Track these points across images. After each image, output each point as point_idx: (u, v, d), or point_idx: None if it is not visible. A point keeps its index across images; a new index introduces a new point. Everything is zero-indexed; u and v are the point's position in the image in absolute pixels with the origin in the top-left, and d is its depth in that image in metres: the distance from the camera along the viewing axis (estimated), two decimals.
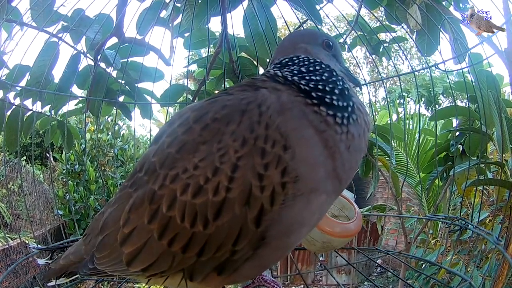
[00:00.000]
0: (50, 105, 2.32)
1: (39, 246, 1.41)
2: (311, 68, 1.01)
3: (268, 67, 1.11)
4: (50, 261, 1.25)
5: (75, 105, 2.58)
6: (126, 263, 0.96)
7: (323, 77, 0.98)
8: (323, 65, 1.03)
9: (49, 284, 1.22)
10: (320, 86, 0.95)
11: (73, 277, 1.17)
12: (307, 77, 0.98)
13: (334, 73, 1.01)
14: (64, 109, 2.29)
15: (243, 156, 0.85)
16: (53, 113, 2.41)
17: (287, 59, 1.07)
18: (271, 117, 0.87)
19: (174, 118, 1.03)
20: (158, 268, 0.94)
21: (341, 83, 0.99)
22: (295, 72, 1.01)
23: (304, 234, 1.00)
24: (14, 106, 2.19)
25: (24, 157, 9.22)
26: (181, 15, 2.30)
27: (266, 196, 0.85)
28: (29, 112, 2.27)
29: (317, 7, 2.19)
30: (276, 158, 0.85)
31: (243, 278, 1.13)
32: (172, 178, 0.90)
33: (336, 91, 0.96)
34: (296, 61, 1.05)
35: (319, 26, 2.27)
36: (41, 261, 1.31)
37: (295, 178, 0.86)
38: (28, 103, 2.26)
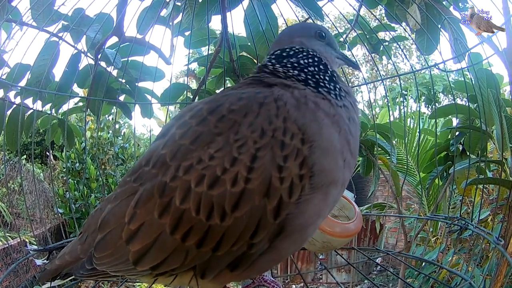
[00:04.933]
0: (50, 104, 2.32)
1: (37, 247, 1.38)
2: (306, 60, 1.08)
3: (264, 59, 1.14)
4: (47, 261, 1.22)
5: (75, 103, 2.58)
6: (133, 262, 0.92)
7: (317, 68, 1.06)
8: (316, 58, 1.10)
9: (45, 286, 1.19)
10: (317, 75, 1.04)
11: (69, 279, 1.11)
12: (305, 70, 1.05)
13: (328, 66, 1.10)
14: (65, 107, 2.29)
15: (263, 147, 0.85)
16: (53, 111, 2.40)
17: (280, 51, 1.12)
18: (289, 111, 0.89)
19: (184, 111, 1.01)
20: (169, 266, 0.91)
21: (329, 71, 1.08)
22: (295, 65, 1.06)
23: (319, 225, 1.01)
24: (14, 105, 2.19)
25: (24, 156, 9.22)
26: (181, 14, 2.30)
27: (285, 188, 0.85)
28: (30, 111, 2.26)
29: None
30: (295, 151, 0.86)
31: (255, 273, 1.12)
32: (186, 169, 0.88)
33: (327, 77, 1.04)
34: (291, 53, 1.10)
35: (320, 23, 2.27)
36: (38, 262, 1.28)
37: (312, 172, 0.87)
38: (28, 102, 2.26)
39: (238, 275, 0.95)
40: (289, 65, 1.06)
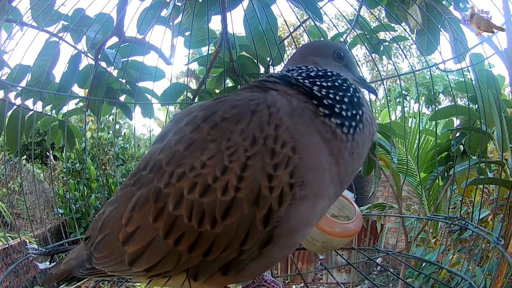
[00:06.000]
0: (51, 105, 2.32)
1: (38, 248, 1.38)
2: (320, 74, 1.02)
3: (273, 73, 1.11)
4: (50, 265, 1.23)
5: (76, 104, 2.58)
6: (128, 263, 0.95)
7: (336, 84, 0.99)
8: (334, 73, 1.03)
9: None
10: (331, 94, 0.96)
11: (75, 285, 1.14)
12: (318, 83, 0.99)
13: (348, 82, 1.02)
14: (65, 109, 2.29)
15: (253, 155, 0.85)
16: (54, 113, 2.40)
17: (295, 68, 1.07)
18: (281, 119, 0.88)
19: (181, 116, 1.02)
20: (163, 268, 0.93)
21: (351, 90, 1.00)
22: (305, 76, 1.01)
23: (308, 233, 1.02)
24: (15, 106, 2.19)
25: (25, 156, 9.23)
26: (181, 14, 2.30)
27: (275, 197, 0.85)
28: (30, 112, 2.27)
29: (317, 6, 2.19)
30: (286, 159, 0.85)
31: (247, 278, 1.12)
32: (179, 177, 0.89)
33: (346, 99, 0.97)
34: (304, 69, 1.05)
35: (319, 24, 2.27)
36: (41, 266, 1.29)
37: (302, 181, 0.87)
38: (29, 103, 2.27)
39: (230, 278, 0.96)
40: (299, 77, 1.01)
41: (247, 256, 0.90)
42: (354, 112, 0.96)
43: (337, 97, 0.96)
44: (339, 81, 1.00)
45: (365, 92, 1.20)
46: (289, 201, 0.86)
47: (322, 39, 2.40)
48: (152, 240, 0.91)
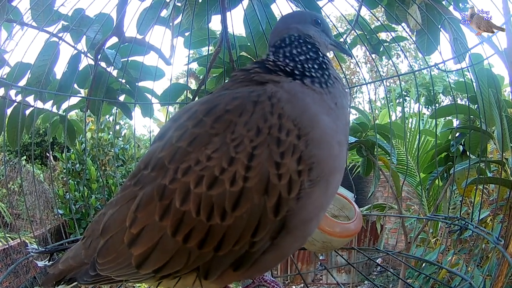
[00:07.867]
0: (51, 101, 2.32)
1: (38, 248, 1.38)
2: (299, 50, 1.10)
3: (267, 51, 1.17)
4: (49, 263, 1.21)
5: (75, 103, 2.58)
6: (136, 265, 0.92)
7: (307, 56, 1.08)
8: (309, 45, 1.12)
9: None
10: (305, 64, 1.05)
11: (72, 284, 1.10)
12: (296, 59, 1.07)
13: (319, 52, 1.11)
14: (65, 105, 2.29)
15: (259, 145, 0.86)
16: (54, 108, 2.40)
17: (280, 41, 1.14)
18: (283, 108, 0.90)
19: (180, 113, 1.02)
20: (172, 268, 0.91)
21: (321, 58, 1.10)
22: (287, 54, 1.09)
23: (321, 218, 1.02)
24: (15, 103, 2.19)
25: (24, 157, 9.23)
26: (181, 14, 2.30)
27: (284, 184, 0.85)
28: (31, 109, 2.26)
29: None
30: (292, 147, 0.86)
31: (259, 272, 1.12)
32: (184, 171, 0.88)
33: (316, 66, 1.05)
34: (287, 42, 1.13)
35: None
36: (40, 263, 1.28)
37: (311, 165, 0.87)
38: (29, 99, 2.27)
39: (242, 274, 0.95)
40: (281, 55, 1.09)
41: (259, 248, 0.89)
42: (321, 72, 1.04)
43: (309, 65, 1.06)
44: (310, 53, 1.10)
45: (365, 92, 1.24)
46: (299, 187, 0.86)
47: None
48: (160, 239, 0.89)
